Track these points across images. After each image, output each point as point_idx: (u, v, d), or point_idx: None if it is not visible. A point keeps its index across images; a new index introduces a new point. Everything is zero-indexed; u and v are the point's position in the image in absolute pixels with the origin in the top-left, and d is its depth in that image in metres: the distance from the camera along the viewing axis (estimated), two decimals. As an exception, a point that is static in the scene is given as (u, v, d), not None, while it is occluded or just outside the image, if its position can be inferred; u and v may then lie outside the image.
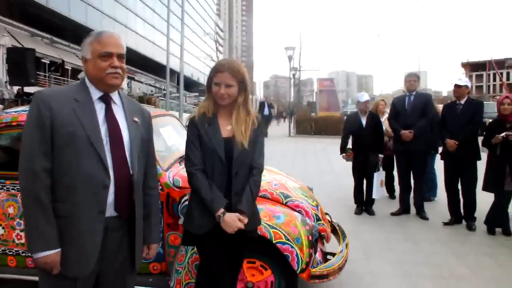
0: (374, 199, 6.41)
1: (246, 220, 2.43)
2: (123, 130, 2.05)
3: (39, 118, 1.90)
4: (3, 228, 3.30)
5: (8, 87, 12.56)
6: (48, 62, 26.39)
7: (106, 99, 2.06)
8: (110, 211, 1.99)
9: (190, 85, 56.65)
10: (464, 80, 5.78)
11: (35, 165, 1.87)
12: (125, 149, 2.03)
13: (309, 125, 22.66)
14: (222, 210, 2.39)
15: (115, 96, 2.11)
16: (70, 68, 30.44)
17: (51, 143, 1.90)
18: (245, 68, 2.58)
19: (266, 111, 22.02)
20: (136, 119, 2.13)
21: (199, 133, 2.48)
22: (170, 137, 3.96)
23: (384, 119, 6.84)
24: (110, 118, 2.03)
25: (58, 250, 1.90)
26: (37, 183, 1.86)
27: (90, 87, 2.05)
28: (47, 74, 25.80)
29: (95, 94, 2.04)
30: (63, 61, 28.66)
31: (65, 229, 1.92)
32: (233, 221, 2.38)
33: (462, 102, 5.66)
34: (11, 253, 3.32)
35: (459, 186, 5.71)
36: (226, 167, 2.45)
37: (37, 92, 2.00)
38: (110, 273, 2.06)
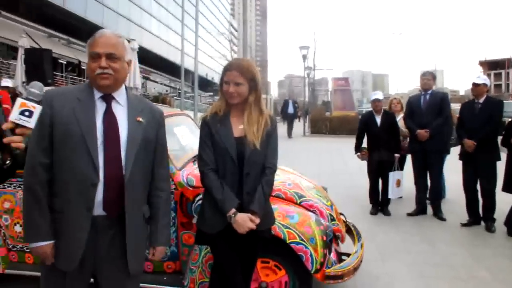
0: (389, 199, 6.34)
1: (257, 221, 2.41)
2: (122, 130, 2.04)
3: (41, 115, 1.93)
4: (20, 225, 3.34)
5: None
6: (65, 62, 26.73)
7: (107, 99, 2.06)
8: (98, 210, 1.99)
9: (205, 84, 56.82)
10: (482, 78, 5.67)
11: (33, 160, 1.95)
12: (120, 149, 2.02)
13: (324, 124, 22.54)
14: (233, 210, 2.38)
15: (120, 95, 2.11)
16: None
17: (50, 140, 1.96)
18: (256, 67, 2.56)
19: (290, 109, 21.01)
20: (140, 118, 2.10)
21: (211, 132, 2.48)
22: (184, 137, 3.97)
23: (399, 118, 6.75)
24: (109, 118, 2.03)
25: (50, 242, 1.97)
26: (34, 177, 1.95)
27: (94, 87, 2.07)
28: (64, 75, 26.15)
29: (97, 93, 2.05)
30: (79, 61, 28.99)
31: (58, 223, 1.99)
32: (244, 221, 2.37)
33: (481, 100, 5.56)
34: (28, 250, 3.35)
35: (478, 187, 5.62)
36: (238, 166, 2.44)
37: (45, 91, 2.03)
38: (105, 272, 2.05)
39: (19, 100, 1.58)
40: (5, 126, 1.53)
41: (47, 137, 1.96)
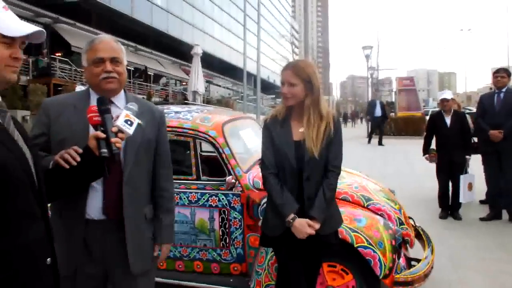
0: (460, 203, 6.05)
1: (317, 226, 2.36)
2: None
3: (40, 124, 2.06)
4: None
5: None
6: (133, 69, 27.94)
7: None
8: (97, 214, 2.01)
9: (267, 87, 57.22)
10: None
11: None
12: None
13: (388, 125, 21.89)
14: (292, 215, 2.35)
15: (118, 99, 2.12)
16: (153, 74, 32.00)
17: (42, 148, 1.96)
18: (314, 68, 2.50)
19: (378, 112, 17.83)
20: (139, 121, 2.06)
21: (271, 135, 2.47)
22: (250, 139, 4.01)
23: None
24: None
25: None
26: None
27: (91, 93, 2.09)
28: (131, 80, 27.37)
29: (94, 100, 2.02)
30: (146, 67, 30.25)
31: (57, 229, 1.95)
32: (302, 226, 2.34)
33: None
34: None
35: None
36: (297, 171, 2.41)
37: (44, 100, 2.11)
38: (117, 274, 2.06)
39: (124, 112, 1.88)
40: (114, 129, 1.81)
41: (38, 146, 1.95)
